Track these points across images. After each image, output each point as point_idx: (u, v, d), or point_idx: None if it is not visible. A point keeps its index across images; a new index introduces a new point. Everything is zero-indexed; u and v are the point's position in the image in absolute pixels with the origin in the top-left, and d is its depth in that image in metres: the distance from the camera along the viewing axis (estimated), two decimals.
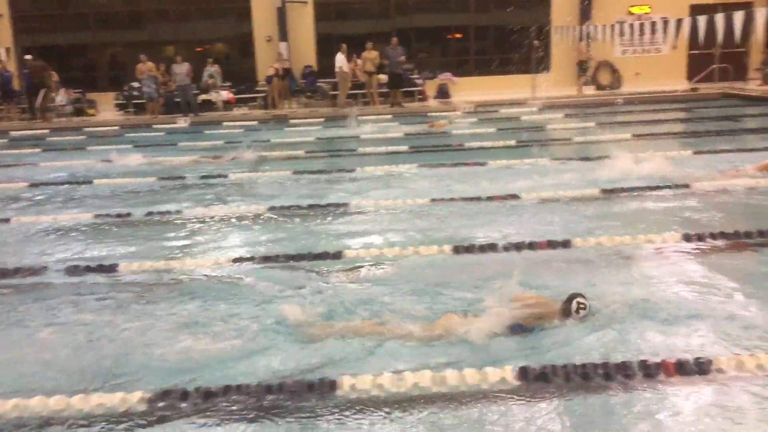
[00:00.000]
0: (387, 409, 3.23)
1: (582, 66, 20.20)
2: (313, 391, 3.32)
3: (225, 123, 16.92)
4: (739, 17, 13.53)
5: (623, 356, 3.52)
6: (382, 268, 5.22)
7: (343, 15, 22.12)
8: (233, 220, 6.97)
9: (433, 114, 16.38)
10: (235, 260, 5.39)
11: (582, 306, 3.90)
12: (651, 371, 3.36)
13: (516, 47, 21.50)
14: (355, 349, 3.83)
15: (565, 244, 5.41)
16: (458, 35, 22.53)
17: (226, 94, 19.38)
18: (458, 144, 11.60)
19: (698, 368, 3.36)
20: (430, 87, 20.31)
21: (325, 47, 21.33)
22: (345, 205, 7.24)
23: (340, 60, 18.36)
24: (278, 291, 4.76)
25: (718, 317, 3.98)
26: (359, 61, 18.75)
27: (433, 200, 7.25)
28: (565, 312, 3.92)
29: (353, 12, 22.33)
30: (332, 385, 3.35)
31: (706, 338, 3.74)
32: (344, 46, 18.42)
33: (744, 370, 3.32)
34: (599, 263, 5.11)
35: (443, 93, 20.01)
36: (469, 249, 5.41)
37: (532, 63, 19.27)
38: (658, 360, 3.40)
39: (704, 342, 3.69)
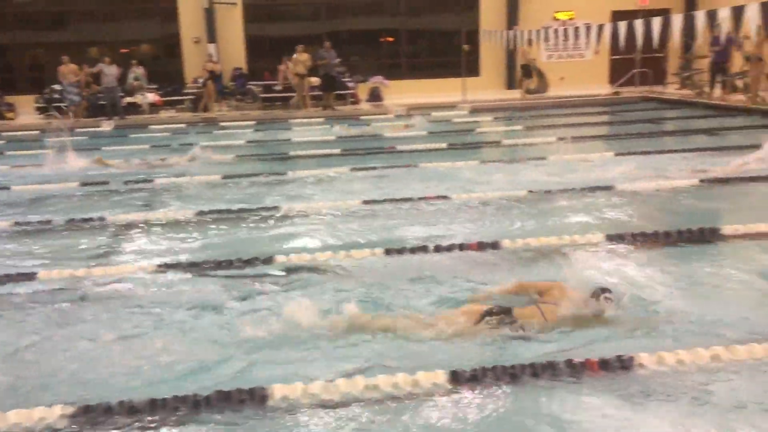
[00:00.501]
0: (320, 417, 3.20)
1: (525, 69, 20.46)
2: (244, 401, 3.27)
3: (151, 126, 16.49)
4: (657, 23, 14.07)
5: (550, 356, 3.59)
6: (315, 272, 5.18)
7: (273, 17, 21.91)
8: (160, 225, 6.79)
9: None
10: (161, 267, 5.25)
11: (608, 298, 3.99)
12: (576, 370, 3.45)
13: (446, 51, 21.82)
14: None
15: (494, 245, 5.50)
16: (390, 38, 22.66)
17: (152, 97, 18.88)
18: (390, 147, 11.65)
19: (621, 365, 3.47)
20: (362, 90, 20.33)
21: (255, 49, 21.10)
22: (276, 208, 7.17)
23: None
24: (206, 299, 4.66)
25: (639, 314, 4.11)
26: (290, 64, 18.63)
27: (366, 202, 7.25)
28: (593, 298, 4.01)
29: (283, 14, 22.14)
30: (263, 395, 3.30)
31: (628, 335, 3.86)
32: (301, 47, 18.37)
33: (663, 364, 3.44)
34: (527, 263, 5.21)
35: (375, 96, 20.07)
36: (401, 251, 5.44)
37: (462, 66, 19.54)
38: (582, 359, 3.48)
39: (626, 339, 3.80)
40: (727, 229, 5.52)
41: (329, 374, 3.48)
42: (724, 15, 12.13)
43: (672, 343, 3.67)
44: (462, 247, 5.49)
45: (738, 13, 11.73)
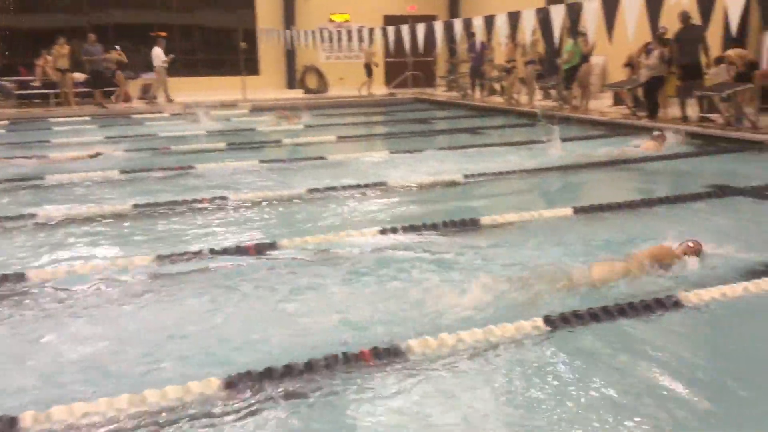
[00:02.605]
0: None
1: (368, 68, 20.56)
2: None
3: None
4: (422, 29, 14.97)
5: (330, 350, 3.62)
6: (80, 284, 4.75)
7: (27, 7, 19.89)
8: None
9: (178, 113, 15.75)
10: None
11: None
12: (351, 361, 3.52)
13: (224, 48, 21.37)
14: None
15: (273, 245, 5.44)
16: (163, 34, 21.64)
17: None
18: (164, 148, 11.11)
19: (393, 352, 3.60)
20: (134, 87, 19.20)
21: (8, 42, 19.06)
22: (32, 216, 6.47)
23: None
24: None
25: (409, 303, 4.30)
26: (50, 58, 17.05)
27: (136, 206, 6.83)
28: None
29: (40, 4, 20.20)
30: (12, 422, 2.95)
31: (400, 324, 4.01)
32: (62, 39, 17.14)
33: (429, 348, 3.62)
34: (307, 262, 5.22)
35: (148, 94, 19.06)
36: (174, 258, 5.17)
37: (241, 65, 19.25)
38: (356, 351, 3.56)
39: (398, 328, 3.95)
40: (485, 220, 6.00)
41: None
42: (478, 23, 13.25)
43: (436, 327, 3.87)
44: (239, 249, 5.36)
45: (489, 21, 12.88)
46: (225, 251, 5.33)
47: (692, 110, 11.89)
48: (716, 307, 4.08)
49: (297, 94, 21.13)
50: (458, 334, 3.70)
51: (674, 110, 12.20)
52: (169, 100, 18.29)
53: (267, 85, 21.39)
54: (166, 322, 4.10)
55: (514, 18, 12.26)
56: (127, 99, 18.49)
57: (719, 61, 11.68)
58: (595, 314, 3.90)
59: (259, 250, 5.38)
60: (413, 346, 3.63)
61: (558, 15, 11.37)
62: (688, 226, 5.76)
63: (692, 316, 4.01)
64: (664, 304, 4.05)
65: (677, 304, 4.06)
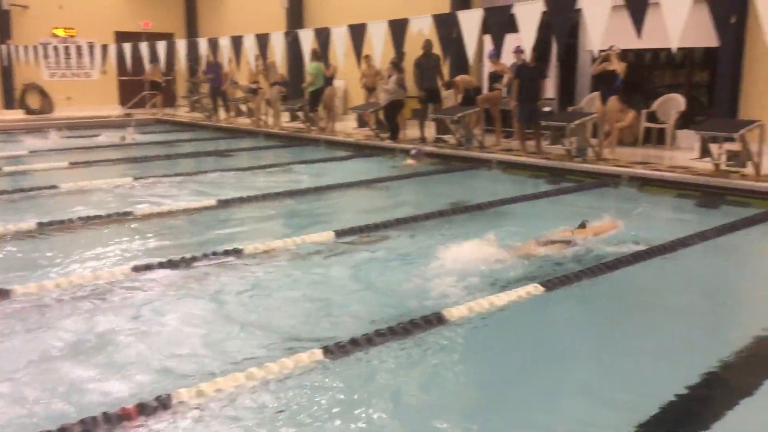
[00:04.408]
0: None
1: (154, 85, 18.96)
2: None
3: None
4: (162, 47, 14.29)
5: (86, 411, 3.16)
6: None
7: None
8: None
9: None
10: None
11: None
12: (113, 421, 3.11)
13: None
14: None
15: (4, 293, 4.67)
16: None
17: None
18: None
19: (161, 405, 3.25)
20: None
21: None
22: None
23: None
24: None
25: (176, 347, 3.95)
26: None
27: None
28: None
29: None
30: None
31: (167, 373, 3.65)
32: None
33: (204, 396, 3.33)
34: (51, 309, 4.54)
35: None
36: None
37: None
38: (118, 409, 3.15)
39: (165, 377, 3.59)
40: (249, 248, 5.78)
41: None
42: (225, 43, 12.99)
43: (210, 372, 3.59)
44: None
45: (237, 42, 12.70)
46: None
47: (429, 132, 12.80)
48: (472, 321, 4.32)
49: (17, 115, 18.89)
50: (233, 376, 3.46)
51: (414, 132, 13.04)
52: None
53: None
54: None
55: (263, 39, 12.21)
56: None
57: (449, 86, 12.77)
58: (369, 339, 3.90)
59: None
60: (184, 395, 3.31)
61: (306, 38, 11.56)
62: (440, 240, 6.09)
63: (455, 331, 4.19)
64: (431, 320, 4.20)
65: (441, 320, 4.23)
